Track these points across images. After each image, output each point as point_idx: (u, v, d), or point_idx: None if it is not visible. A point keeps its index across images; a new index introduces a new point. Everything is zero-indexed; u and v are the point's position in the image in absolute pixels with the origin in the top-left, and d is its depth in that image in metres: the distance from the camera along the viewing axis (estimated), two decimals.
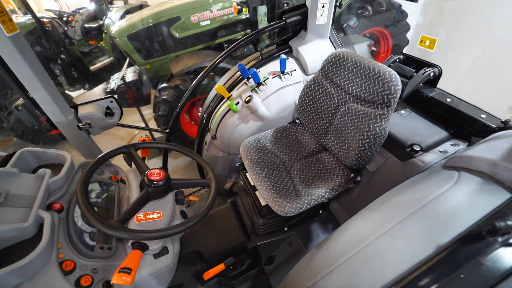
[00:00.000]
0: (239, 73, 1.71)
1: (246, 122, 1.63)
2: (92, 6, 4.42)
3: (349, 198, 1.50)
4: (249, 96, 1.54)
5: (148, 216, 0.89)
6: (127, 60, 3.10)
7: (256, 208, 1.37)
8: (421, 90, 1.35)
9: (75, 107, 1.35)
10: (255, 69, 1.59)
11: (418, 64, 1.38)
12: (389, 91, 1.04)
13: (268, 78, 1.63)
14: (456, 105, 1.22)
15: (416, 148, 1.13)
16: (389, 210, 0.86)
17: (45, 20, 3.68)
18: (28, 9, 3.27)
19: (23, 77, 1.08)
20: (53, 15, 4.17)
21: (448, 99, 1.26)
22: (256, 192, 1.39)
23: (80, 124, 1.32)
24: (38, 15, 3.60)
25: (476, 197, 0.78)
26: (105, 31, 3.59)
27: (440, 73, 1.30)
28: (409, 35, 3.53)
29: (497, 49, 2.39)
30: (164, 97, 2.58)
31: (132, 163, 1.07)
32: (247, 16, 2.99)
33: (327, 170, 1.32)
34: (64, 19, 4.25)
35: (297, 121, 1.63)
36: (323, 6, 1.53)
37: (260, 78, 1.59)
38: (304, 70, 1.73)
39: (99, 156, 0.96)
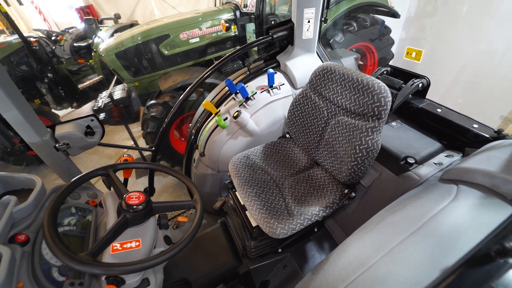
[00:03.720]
0: (227, 88, 1.68)
1: (235, 138, 1.58)
2: (82, 26, 4.44)
3: (345, 214, 1.43)
4: (238, 111, 1.50)
5: (125, 246, 0.80)
6: (115, 77, 3.06)
7: (247, 229, 1.29)
8: (410, 101, 1.33)
9: (52, 126, 1.27)
10: (243, 84, 1.56)
11: (405, 75, 1.37)
12: (379, 103, 1.01)
13: (256, 93, 1.60)
14: (446, 115, 1.20)
15: (411, 160, 1.09)
16: (387, 229, 0.80)
17: (32, 39, 3.65)
18: (14, 29, 3.23)
19: None
20: (41, 35, 4.15)
21: (439, 110, 1.24)
22: (246, 212, 1.31)
23: (57, 145, 1.24)
24: (26, 34, 3.57)
25: (478, 212, 0.73)
26: (95, 50, 3.57)
27: (429, 84, 1.30)
28: (393, 49, 3.65)
29: (480, 62, 2.46)
30: (153, 114, 2.52)
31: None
32: (236, 33, 3.03)
33: (320, 186, 1.26)
34: (53, 38, 4.23)
35: (287, 135, 1.59)
36: (309, 21, 1.54)
37: (248, 93, 1.56)
38: (292, 84, 1.71)
39: (73, 179, 0.88)
